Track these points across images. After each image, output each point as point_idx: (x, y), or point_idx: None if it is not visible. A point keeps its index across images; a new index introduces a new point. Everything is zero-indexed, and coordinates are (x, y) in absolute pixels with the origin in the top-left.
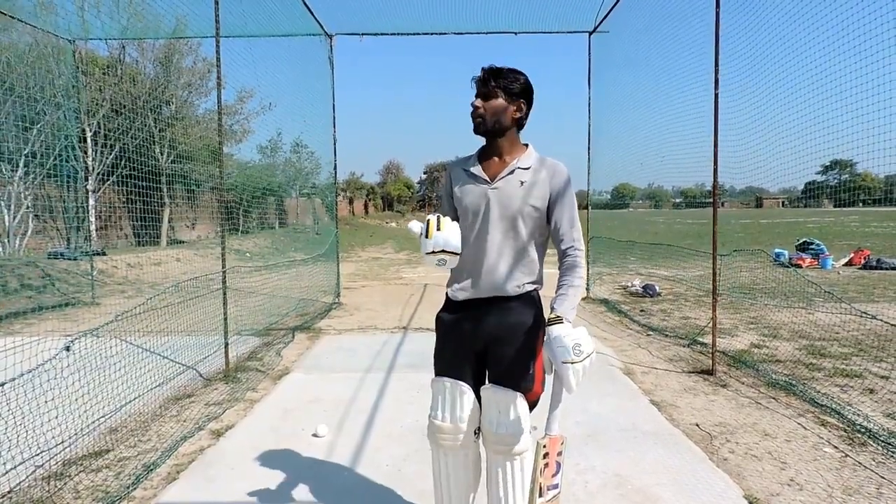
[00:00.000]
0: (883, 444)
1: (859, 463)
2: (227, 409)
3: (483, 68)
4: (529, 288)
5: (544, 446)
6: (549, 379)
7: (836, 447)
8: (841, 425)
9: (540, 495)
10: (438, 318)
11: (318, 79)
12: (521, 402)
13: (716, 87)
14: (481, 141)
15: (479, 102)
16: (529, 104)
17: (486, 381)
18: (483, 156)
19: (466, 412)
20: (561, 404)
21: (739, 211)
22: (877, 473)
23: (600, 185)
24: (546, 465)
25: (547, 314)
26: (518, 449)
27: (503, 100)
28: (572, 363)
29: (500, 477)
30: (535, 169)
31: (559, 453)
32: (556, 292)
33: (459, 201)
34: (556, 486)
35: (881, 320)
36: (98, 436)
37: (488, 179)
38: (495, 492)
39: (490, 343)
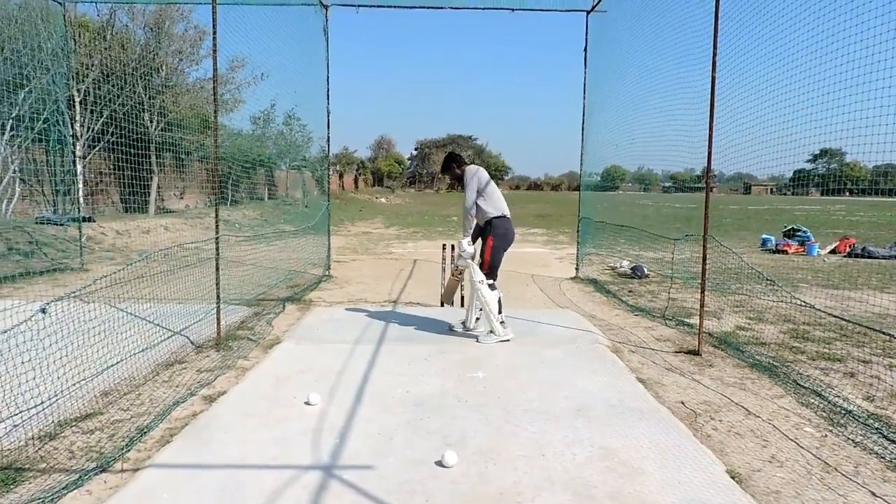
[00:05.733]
0: (862, 424)
1: (838, 443)
2: (218, 376)
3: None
4: None
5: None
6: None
7: (816, 427)
8: (822, 406)
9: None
10: (505, 221)
11: (313, 50)
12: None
13: (713, 70)
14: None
15: (445, 178)
16: (458, 161)
17: None
18: None
19: None
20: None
21: (728, 196)
22: (855, 453)
23: (591, 166)
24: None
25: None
26: None
27: (454, 170)
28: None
29: None
30: None
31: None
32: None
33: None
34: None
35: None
36: (90, 399)
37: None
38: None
39: None
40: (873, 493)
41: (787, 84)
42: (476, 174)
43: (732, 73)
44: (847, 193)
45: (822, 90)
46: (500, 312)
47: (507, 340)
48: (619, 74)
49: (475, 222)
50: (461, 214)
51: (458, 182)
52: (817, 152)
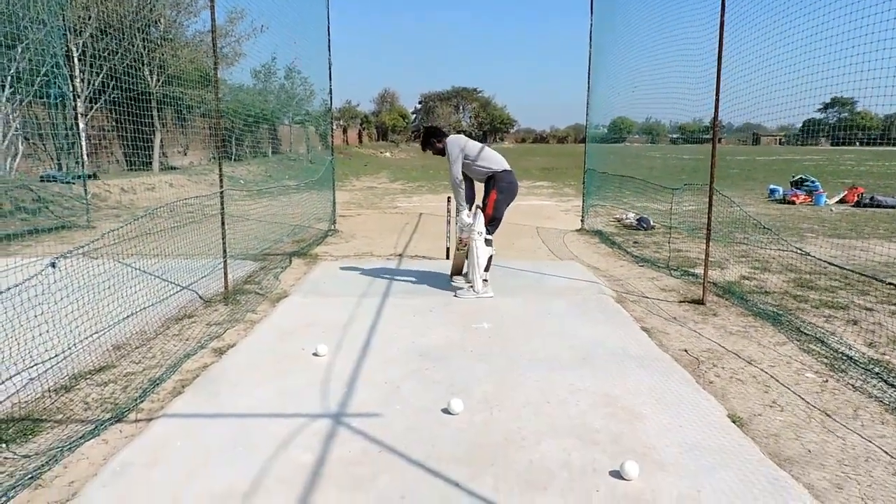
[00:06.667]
0: (863, 370)
1: (839, 388)
2: (227, 329)
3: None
4: None
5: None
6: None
7: (817, 373)
8: (824, 353)
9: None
10: (509, 174)
11: (313, 1)
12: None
13: (722, 14)
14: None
15: (427, 150)
16: (438, 135)
17: None
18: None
19: None
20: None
21: (736, 147)
22: (855, 397)
23: (598, 118)
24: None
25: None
26: None
27: (435, 145)
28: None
29: None
30: None
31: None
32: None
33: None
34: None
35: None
36: (103, 352)
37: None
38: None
39: None
40: (870, 436)
41: (798, 31)
42: (457, 143)
43: (743, 19)
44: (857, 143)
45: (835, 36)
46: (486, 270)
47: (490, 297)
48: (625, 21)
49: (464, 190)
50: (451, 188)
51: (442, 155)
52: (828, 101)
